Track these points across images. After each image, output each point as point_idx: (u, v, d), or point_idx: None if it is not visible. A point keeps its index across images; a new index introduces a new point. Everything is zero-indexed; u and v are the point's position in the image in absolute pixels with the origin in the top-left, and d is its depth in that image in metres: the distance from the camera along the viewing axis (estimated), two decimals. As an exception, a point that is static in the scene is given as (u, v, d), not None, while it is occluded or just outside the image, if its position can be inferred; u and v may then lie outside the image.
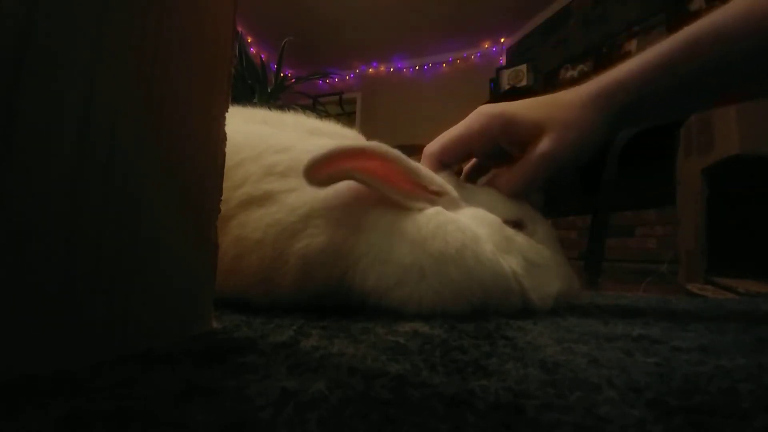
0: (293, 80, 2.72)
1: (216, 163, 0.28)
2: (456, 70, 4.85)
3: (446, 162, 0.44)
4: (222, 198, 0.28)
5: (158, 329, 0.24)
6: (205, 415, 0.14)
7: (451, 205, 0.39)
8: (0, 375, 0.17)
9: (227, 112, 0.28)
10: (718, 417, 0.15)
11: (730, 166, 1.26)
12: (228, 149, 0.28)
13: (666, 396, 0.17)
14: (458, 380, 0.18)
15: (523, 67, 3.94)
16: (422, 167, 0.38)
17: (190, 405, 0.15)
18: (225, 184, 0.29)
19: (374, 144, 0.36)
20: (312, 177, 0.33)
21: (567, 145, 0.39)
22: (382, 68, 5.21)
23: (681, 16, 2.53)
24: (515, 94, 3.64)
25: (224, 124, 0.28)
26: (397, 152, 0.36)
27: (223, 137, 0.28)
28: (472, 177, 0.49)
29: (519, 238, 0.38)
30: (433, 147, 0.44)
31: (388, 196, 0.36)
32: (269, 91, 2.43)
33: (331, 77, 4.56)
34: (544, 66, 3.82)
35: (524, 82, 3.90)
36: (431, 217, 0.36)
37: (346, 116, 5.09)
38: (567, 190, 3.08)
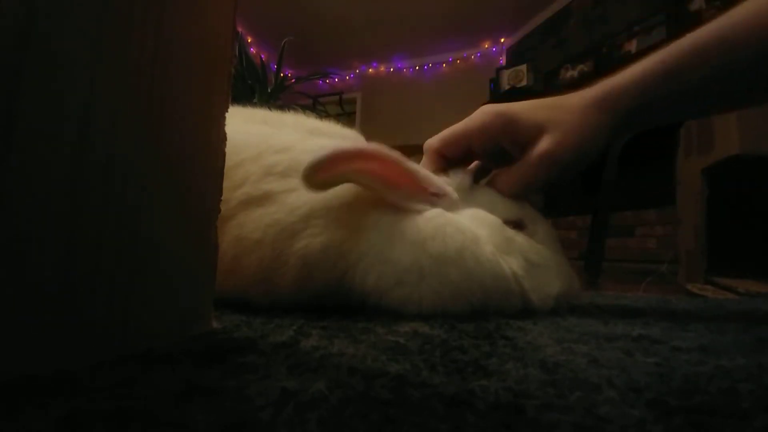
0: (293, 80, 2.72)
1: (216, 164, 0.28)
2: (456, 70, 4.85)
3: (447, 156, 0.44)
4: (221, 198, 0.28)
5: (158, 329, 0.24)
6: (205, 415, 0.14)
7: (451, 206, 0.38)
8: (0, 375, 0.17)
9: (227, 112, 0.28)
10: (718, 417, 0.15)
11: (730, 166, 1.26)
12: (228, 149, 0.28)
13: (666, 396, 0.17)
14: (458, 380, 0.18)
15: (523, 67, 3.94)
16: (421, 168, 0.38)
17: (190, 405, 0.15)
18: (225, 185, 0.29)
19: (373, 145, 0.35)
20: (311, 181, 0.33)
21: (567, 147, 0.38)
22: (382, 68, 5.21)
23: (681, 16, 2.53)
24: (515, 94, 3.64)
25: (224, 124, 0.28)
26: (395, 153, 0.36)
27: (223, 137, 0.28)
28: (476, 178, 0.49)
29: (519, 238, 0.38)
30: (433, 141, 0.44)
31: (388, 198, 0.36)
32: (269, 91, 2.43)
33: (331, 77, 4.56)
34: (544, 66, 3.81)
35: (524, 82, 3.90)
36: (431, 218, 0.36)
37: (346, 116, 5.09)
38: (567, 190, 3.08)
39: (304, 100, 2.75)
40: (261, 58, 2.71)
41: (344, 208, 0.37)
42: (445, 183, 0.39)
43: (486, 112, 0.41)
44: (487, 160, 0.46)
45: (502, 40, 4.51)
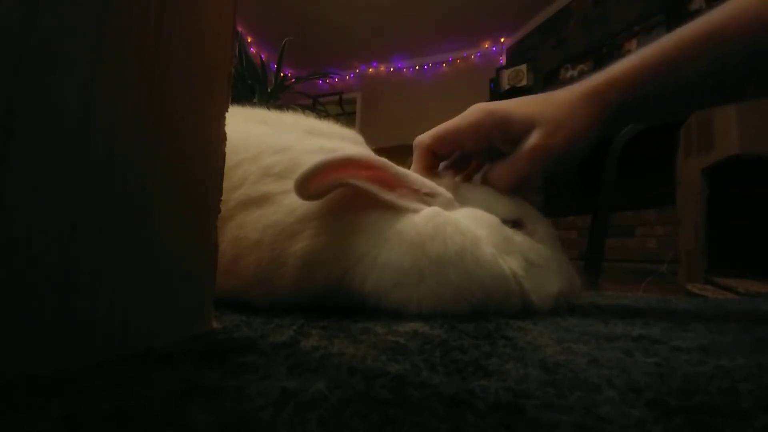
0: (293, 80, 2.72)
1: (216, 163, 0.28)
2: (456, 70, 4.85)
3: (437, 153, 0.44)
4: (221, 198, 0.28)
5: (158, 329, 0.24)
6: (205, 415, 0.14)
7: (447, 205, 0.38)
8: (0, 375, 0.17)
9: (227, 112, 0.28)
10: (718, 417, 0.15)
11: (730, 166, 1.26)
12: (227, 149, 0.28)
13: (666, 396, 0.17)
14: (458, 380, 0.18)
15: (523, 67, 3.94)
16: (410, 172, 0.39)
17: (190, 405, 0.15)
18: (224, 185, 0.29)
19: (359, 152, 0.36)
20: (304, 192, 0.34)
21: (557, 141, 0.39)
22: (382, 68, 5.21)
23: (681, 16, 2.53)
24: (515, 94, 3.64)
25: (224, 124, 0.28)
26: (383, 160, 0.37)
27: (223, 137, 0.28)
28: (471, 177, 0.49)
29: (518, 237, 0.38)
30: (424, 138, 0.44)
31: (383, 199, 0.36)
32: (269, 91, 2.43)
33: (331, 77, 4.55)
34: (544, 66, 3.81)
35: (524, 82, 3.90)
36: (430, 218, 0.36)
37: (346, 116, 5.09)
38: (567, 190, 3.08)
39: (304, 100, 2.75)
40: (261, 58, 2.71)
41: (343, 209, 0.37)
42: (437, 184, 0.39)
43: (478, 110, 0.42)
44: (478, 156, 0.46)
45: (502, 40, 4.51)
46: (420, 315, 0.34)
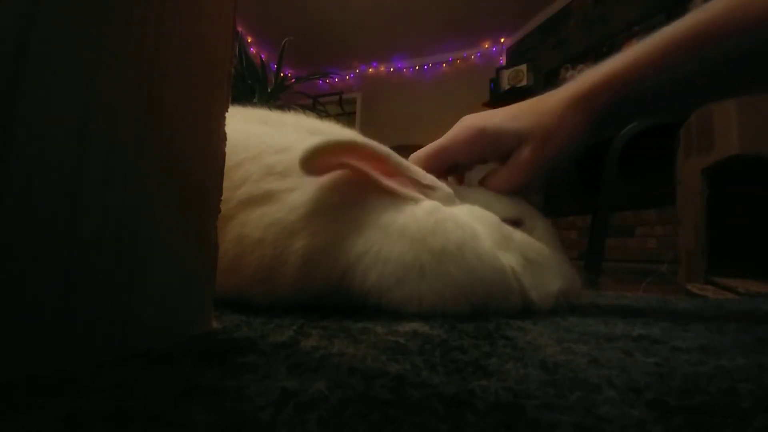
0: (293, 80, 2.72)
1: (216, 163, 0.28)
2: (456, 70, 4.85)
3: (431, 170, 0.44)
4: (222, 198, 0.28)
5: (158, 329, 0.24)
6: (205, 415, 0.14)
7: (447, 200, 0.39)
8: (0, 375, 0.17)
9: (227, 112, 0.28)
10: (718, 417, 0.15)
11: (730, 166, 1.26)
12: (228, 149, 0.28)
13: (666, 396, 0.17)
14: (458, 380, 0.18)
15: (523, 67, 3.94)
16: (412, 165, 0.39)
17: (190, 405, 0.15)
18: (225, 184, 0.29)
19: (365, 140, 0.36)
20: (307, 167, 0.34)
21: (548, 152, 0.40)
22: (382, 68, 5.21)
23: (681, 17, 2.53)
24: (515, 94, 3.64)
25: (224, 124, 0.28)
26: (386, 149, 0.37)
27: (223, 137, 0.28)
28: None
29: (517, 236, 0.38)
30: (418, 156, 0.45)
31: (383, 185, 0.37)
32: (269, 91, 2.43)
33: (331, 77, 4.56)
34: (544, 66, 3.81)
35: (524, 82, 3.90)
36: (430, 213, 0.36)
37: (346, 116, 5.09)
38: (567, 190, 3.08)
39: (304, 100, 2.75)
40: (261, 58, 2.71)
41: (344, 207, 0.37)
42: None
43: (469, 128, 0.43)
44: (470, 167, 0.48)
45: (502, 40, 4.51)
46: (420, 314, 0.34)
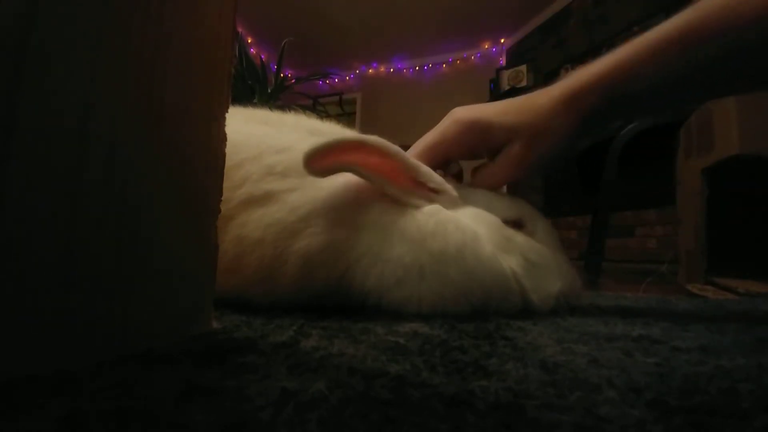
0: (293, 80, 2.72)
1: (216, 164, 0.28)
2: (456, 70, 4.85)
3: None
4: (222, 198, 0.28)
5: (158, 329, 0.24)
6: (205, 415, 0.14)
7: (450, 203, 0.39)
8: (0, 375, 0.17)
9: (227, 112, 0.28)
10: (718, 417, 0.15)
11: (730, 166, 1.25)
12: (228, 149, 0.28)
13: (666, 396, 0.17)
14: (458, 380, 0.18)
15: (523, 68, 3.94)
16: (422, 164, 0.38)
17: (190, 405, 0.15)
18: (225, 185, 0.29)
19: (374, 138, 0.36)
20: (312, 166, 0.33)
21: (537, 150, 0.40)
22: (382, 68, 5.21)
23: (680, 16, 2.52)
24: (515, 94, 3.63)
25: (224, 124, 0.28)
26: (396, 148, 0.37)
27: (223, 137, 0.28)
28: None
29: (518, 237, 0.38)
30: (410, 153, 0.44)
31: (387, 191, 0.37)
32: (269, 91, 2.43)
33: (331, 78, 4.56)
34: (544, 66, 3.81)
35: (524, 83, 3.90)
36: (431, 216, 0.36)
37: (346, 116, 5.09)
38: (567, 190, 3.08)
39: (304, 100, 2.75)
40: (261, 58, 2.71)
41: (344, 207, 0.37)
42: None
43: (459, 123, 0.42)
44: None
45: (502, 40, 4.51)
46: (420, 315, 0.34)
